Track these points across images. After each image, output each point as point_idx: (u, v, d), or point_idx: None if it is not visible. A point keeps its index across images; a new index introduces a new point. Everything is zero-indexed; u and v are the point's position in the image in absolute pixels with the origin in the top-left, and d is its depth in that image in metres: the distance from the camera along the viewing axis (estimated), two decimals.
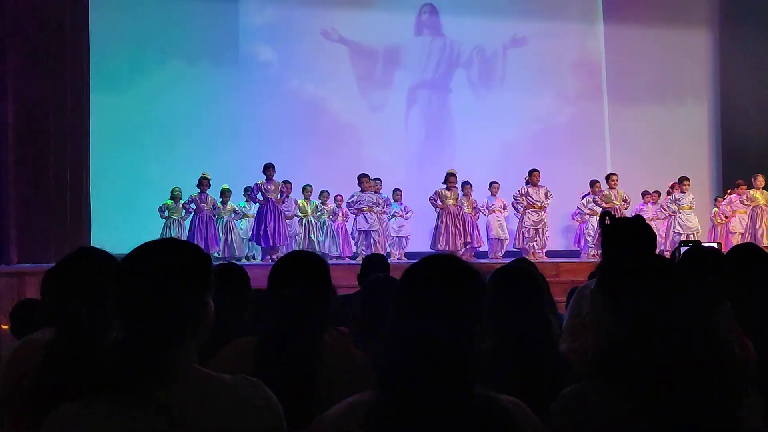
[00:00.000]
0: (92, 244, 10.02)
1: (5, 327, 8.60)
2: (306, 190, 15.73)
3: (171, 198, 14.79)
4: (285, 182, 14.66)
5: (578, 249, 16.37)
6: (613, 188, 15.17)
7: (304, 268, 2.99)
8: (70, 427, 1.84)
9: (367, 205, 14.59)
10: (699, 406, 1.91)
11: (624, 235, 3.86)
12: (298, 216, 15.48)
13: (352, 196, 14.82)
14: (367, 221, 14.54)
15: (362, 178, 14.71)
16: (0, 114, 12.99)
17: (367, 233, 14.53)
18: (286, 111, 17.14)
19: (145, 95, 16.24)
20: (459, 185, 15.19)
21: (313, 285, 2.94)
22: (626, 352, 1.98)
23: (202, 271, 2.01)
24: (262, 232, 13.86)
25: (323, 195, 15.88)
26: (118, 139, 15.78)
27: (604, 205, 14.83)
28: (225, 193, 14.92)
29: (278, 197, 14.20)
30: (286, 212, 14.73)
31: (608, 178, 15.36)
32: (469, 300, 1.88)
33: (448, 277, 1.90)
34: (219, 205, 14.70)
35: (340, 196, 15.89)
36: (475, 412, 1.81)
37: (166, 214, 14.71)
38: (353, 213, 14.81)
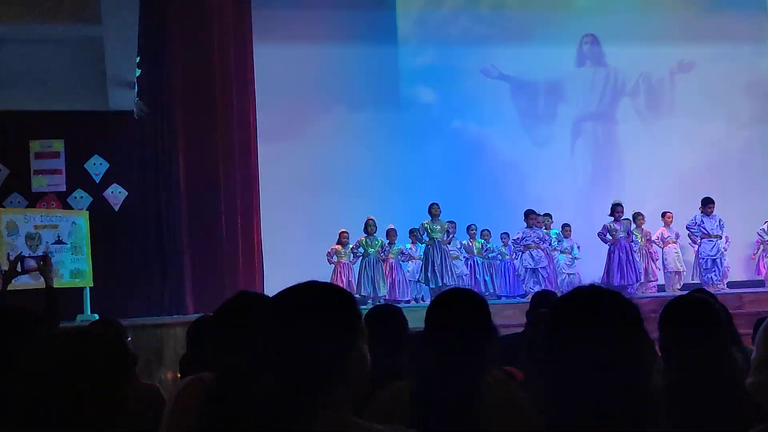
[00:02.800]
0: (266, 292, 10.18)
1: (169, 376, 8.80)
2: (470, 229, 15.62)
3: (338, 242, 14.90)
4: (450, 222, 14.57)
5: (761, 279, 15.56)
6: None
7: (460, 307, 2.85)
8: None
9: (533, 242, 14.33)
10: None
11: None
12: (464, 256, 15.39)
13: (518, 233, 14.57)
14: (533, 258, 14.27)
15: (529, 215, 14.47)
16: (171, 165, 13.53)
17: (534, 270, 14.24)
18: (449, 151, 17.09)
19: (310, 143, 16.48)
20: (631, 216, 14.74)
21: (470, 323, 2.79)
22: None
23: (346, 314, 1.89)
24: (429, 273, 13.79)
25: (484, 234, 15.77)
26: (287, 187, 16.05)
27: None
28: (391, 234, 14.92)
29: (444, 237, 14.11)
30: (452, 252, 14.60)
31: None
32: (622, 329, 1.70)
33: (595, 306, 1.74)
34: (386, 246, 14.71)
35: (506, 234, 15.69)
36: None
37: (335, 258, 14.82)
38: (519, 250, 14.56)
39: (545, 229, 15.07)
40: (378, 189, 16.44)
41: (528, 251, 14.30)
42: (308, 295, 1.90)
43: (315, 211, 16.05)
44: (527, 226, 14.43)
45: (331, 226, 15.17)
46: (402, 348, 3.79)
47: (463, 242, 15.52)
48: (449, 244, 14.45)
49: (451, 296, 2.96)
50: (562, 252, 15.45)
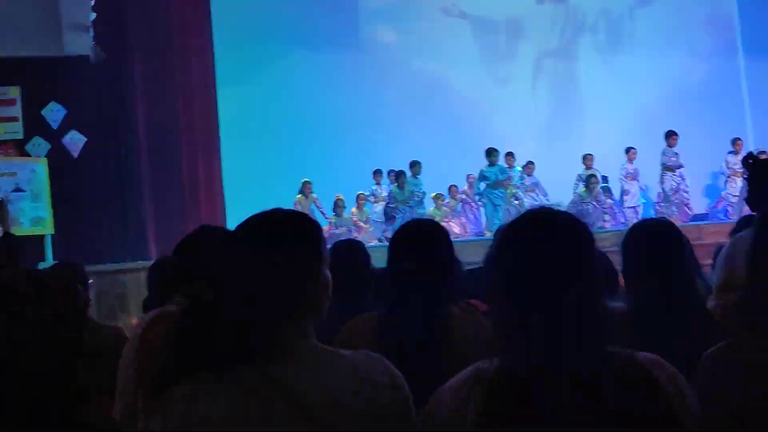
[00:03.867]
0: None
1: (133, 322, 8.72)
2: (439, 198, 15.46)
3: (300, 192, 14.77)
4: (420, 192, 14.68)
5: (718, 211, 15.73)
6: None
7: (421, 238, 2.83)
8: (183, 407, 1.74)
9: (495, 181, 14.36)
10: None
11: None
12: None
13: (481, 172, 14.58)
14: (495, 196, 14.36)
15: (491, 152, 14.47)
16: (130, 109, 13.38)
17: (495, 207, 14.29)
18: (410, 91, 17.00)
19: (270, 85, 16.34)
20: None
21: (432, 254, 2.78)
22: None
23: (309, 239, 1.88)
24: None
25: (452, 190, 15.80)
26: (247, 129, 15.92)
27: None
28: (360, 198, 14.97)
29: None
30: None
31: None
32: (572, 245, 1.70)
33: (545, 225, 1.73)
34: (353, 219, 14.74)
35: (472, 176, 15.64)
36: (607, 372, 1.64)
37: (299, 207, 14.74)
38: (486, 192, 14.58)
39: (509, 167, 15.08)
40: (338, 129, 16.36)
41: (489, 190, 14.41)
42: (272, 220, 1.89)
43: (276, 153, 15.97)
44: (489, 165, 14.43)
45: (293, 168, 15.12)
46: (365, 283, 3.77)
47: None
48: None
49: (412, 228, 2.94)
50: (527, 191, 15.46)
